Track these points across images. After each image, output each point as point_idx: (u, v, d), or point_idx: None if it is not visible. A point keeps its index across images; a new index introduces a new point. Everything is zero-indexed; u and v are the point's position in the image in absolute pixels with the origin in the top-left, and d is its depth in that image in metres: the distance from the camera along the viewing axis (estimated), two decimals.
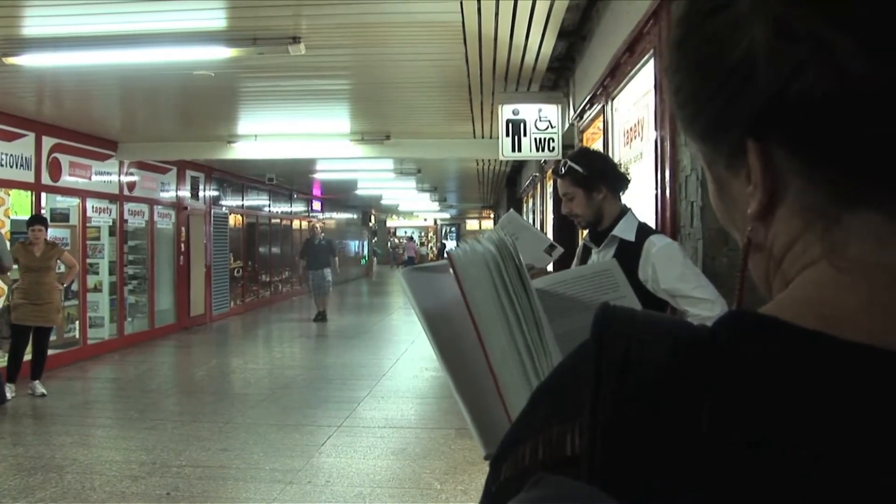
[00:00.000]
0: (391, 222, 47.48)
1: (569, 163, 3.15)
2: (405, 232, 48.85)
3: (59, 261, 8.86)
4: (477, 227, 44.12)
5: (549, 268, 3.44)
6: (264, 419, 7.63)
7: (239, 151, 11.55)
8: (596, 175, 3.12)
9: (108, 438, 7.02)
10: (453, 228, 46.82)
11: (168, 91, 8.49)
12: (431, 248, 47.64)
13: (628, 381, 0.52)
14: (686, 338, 0.54)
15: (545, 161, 10.24)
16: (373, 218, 39.24)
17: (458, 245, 1.03)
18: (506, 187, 21.51)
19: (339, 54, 6.69)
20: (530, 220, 13.84)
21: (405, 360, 11.41)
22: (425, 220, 46.24)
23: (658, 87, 3.88)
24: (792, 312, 0.53)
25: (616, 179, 3.16)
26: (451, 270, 0.99)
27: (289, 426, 7.36)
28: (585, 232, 3.37)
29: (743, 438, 0.48)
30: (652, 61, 4.06)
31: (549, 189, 10.26)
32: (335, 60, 6.92)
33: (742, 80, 0.54)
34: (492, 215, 37.34)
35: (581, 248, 3.43)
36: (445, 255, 1.04)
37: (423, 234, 48.74)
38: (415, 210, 37.07)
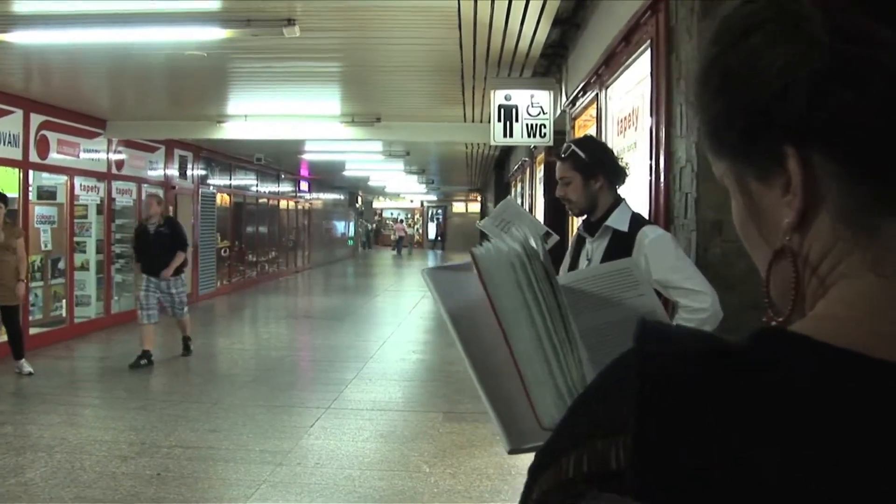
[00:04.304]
0: (378, 203, 47.43)
1: (572, 147, 3.18)
2: (391, 213, 48.87)
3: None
4: (464, 210, 44.12)
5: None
6: (252, 400, 7.65)
7: (228, 131, 11.51)
8: (596, 163, 3.15)
9: (96, 418, 7.02)
10: (440, 210, 46.79)
11: (158, 70, 8.44)
12: (417, 229, 47.71)
13: (670, 400, 0.53)
14: (725, 356, 0.55)
15: (535, 147, 10.25)
16: (360, 199, 39.19)
17: (481, 244, 1.05)
18: (493, 171, 21.52)
19: (333, 37, 6.68)
20: (500, 203, 13.87)
21: (392, 342, 11.44)
22: (412, 201, 46.18)
23: (654, 78, 3.90)
24: (827, 331, 0.55)
25: (615, 172, 3.19)
26: (474, 269, 1.01)
27: (277, 407, 7.39)
28: (580, 220, 3.40)
29: (778, 461, 0.50)
30: (648, 52, 4.08)
31: (539, 174, 10.29)
32: (329, 43, 6.90)
33: (783, 89, 0.57)
34: (479, 198, 37.35)
35: (575, 237, 3.46)
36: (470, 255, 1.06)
37: (409, 215, 48.72)
38: (402, 192, 37.04)
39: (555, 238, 3.38)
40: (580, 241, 3.37)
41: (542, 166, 9.51)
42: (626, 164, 3.33)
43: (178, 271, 9.58)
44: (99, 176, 12.11)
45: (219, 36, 6.07)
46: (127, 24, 6.03)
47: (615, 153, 3.44)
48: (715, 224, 3.36)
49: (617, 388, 0.58)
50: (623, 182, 3.26)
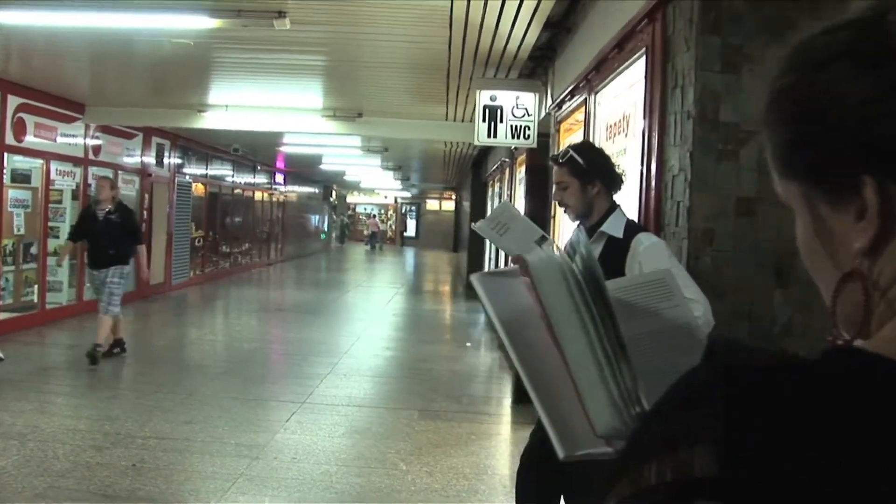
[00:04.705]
0: (351, 198, 47.29)
1: (571, 152, 3.22)
2: (364, 209, 48.79)
3: None
4: (437, 208, 44.18)
5: None
6: (227, 392, 7.60)
7: (209, 121, 11.40)
8: (594, 170, 3.20)
9: (69, 407, 6.94)
10: (413, 207, 46.80)
11: (142, 57, 8.34)
12: (391, 225, 47.65)
13: (758, 412, 0.56)
14: (805, 371, 0.59)
15: (516, 148, 10.26)
16: (334, 193, 39.08)
17: (532, 252, 1.06)
18: (471, 170, 21.51)
19: (323, 31, 6.64)
20: (496, 205, 13.88)
21: (365, 338, 11.43)
22: (385, 197, 46.13)
23: (649, 86, 3.93)
24: None
25: (612, 179, 3.24)
26: (524, 276, 1.02)
27: (252, 401, 7.35)
28: (568, 224, 3.43)
29: (862, 471, 0.53)
30: (642, 60, 4.11)
31: (520, 175, 10.31)
32: (317, 36, 6.86)
33: (861, 122, 0.60)
34: (453, 197, 37.36)
35: (570, 242, 3.48)
36: (520, 261, 1.07)
37: (382, 211, 48.65)
38: (377, 187, 36.94)
39: (550, 242, 3.39)
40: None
41: (524, 168, 9.52)
42: (623, 171, 3.36)
43: (123, 261, 8.52)
44: (75, 161, 11.93)
45: (208, 25, 6.02)
46: (115, 10, 5.96)
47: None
48: (706, 233, 3.39)
49: (697, 398, 0.60)
50: (619, 189, 3.30)
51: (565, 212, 3.35)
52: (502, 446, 6.56)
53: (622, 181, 3.30)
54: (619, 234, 3.19)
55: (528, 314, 1.02)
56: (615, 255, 3.10)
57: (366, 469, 5.58)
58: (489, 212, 16.21)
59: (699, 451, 0.56)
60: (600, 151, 3.40)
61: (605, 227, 3.21)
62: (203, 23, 5.97)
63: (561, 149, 5.72)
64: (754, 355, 0.63)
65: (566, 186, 3.25)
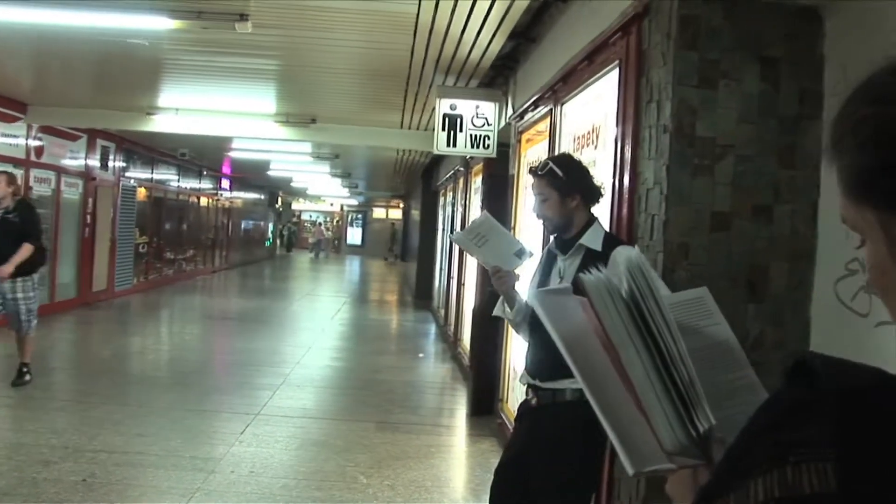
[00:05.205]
0: (297, 205, 46.90)
1: (550, 164, 3.19)
2: (310, 216, 48.46)
3: None
4: (384, 216, 44.06)
5: (517, 271, 3.45)
6: (179, 404, 7.42)
7: (158, 124, 11.11)
8: (574, 182, 3.17)
9: (12, 419, 6.69)
10: (360, 215, 46.61)
11: (91, 56, 8.09)
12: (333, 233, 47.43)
13: (873, 430, 0.59)
14: None
15: (472, 157, 10.24)
16: (279, 200, 38.69)
17: (588, 272, 1.05)
18: (421, 178, 21.47)
19: (283, 35, 6.52)
20: (448, 215, 13.86)
21: (316, 348, 11.31)
22: (332, 204, 45.87)
23: (622, 100, 3.92)
24: None
25: (591, 192, 3.23)
26: (579, 294, 1.01)
27: (205, 412, 7.18)
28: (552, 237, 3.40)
29: None
30: (615, 73, 4.10)
31: (476, 185, 10.29)
32: (276, 40, 6.74)
33: None
34: (401, 205, 37.32)
35: (546, 254, 3.46)
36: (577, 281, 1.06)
37: (328, 219, 48.36)
38: (323, 194, 36.69)
39: (528, 254, 3.37)
40: (551, 258, 3.37)
41: (481, 177, 9.49)
42: (601, 184, 3.35)
43: (29, 271, 7.47)
44: (16, 162, 11.49)
45: (167, 26, 5.86)
46: (70, 7, 5.77)
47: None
48: (681, 246, 3.39)
49: (802, 417, 0.62)
50: (598, 202, 3.29)
51: (544, 225, 3.33)
52: (461, 458, 6.52)
53: (601, 194, 3.29)
54: (598, 246, 3.18)
55: (586, 332, 1.01)
56: (594, 267, 3.08)
57: (326, 483, 5.48)
58: (440, 221, 16.18)
59: (809, 469, 0.58)
60: (580, 164, 3.38)
61: (583, 240, 3.20)
62: (162, 23, 5.82)
63: (531, 160, 5.71)
64: (859, 375, 0.65)
65: (545, 199, 3.22)
